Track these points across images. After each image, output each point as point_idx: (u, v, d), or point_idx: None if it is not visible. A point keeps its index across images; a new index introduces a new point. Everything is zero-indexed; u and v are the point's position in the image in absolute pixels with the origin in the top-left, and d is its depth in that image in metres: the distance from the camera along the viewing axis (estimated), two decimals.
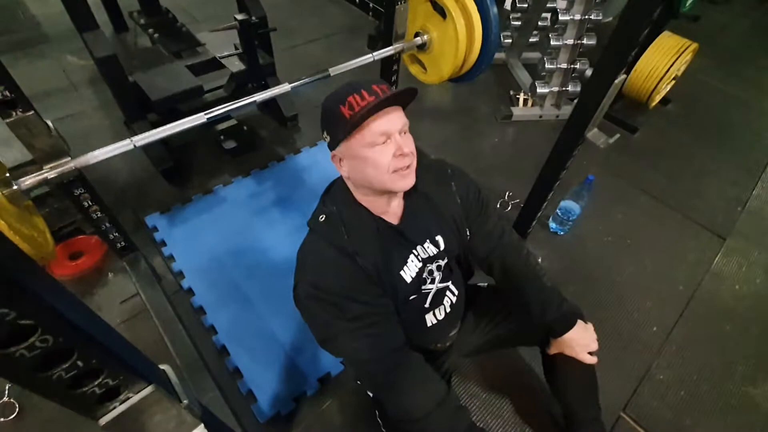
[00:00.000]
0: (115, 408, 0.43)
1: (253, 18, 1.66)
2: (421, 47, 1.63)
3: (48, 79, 2.36)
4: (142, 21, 2.00)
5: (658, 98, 2.42)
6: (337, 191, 0.91)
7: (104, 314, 1.44)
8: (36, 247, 0.90)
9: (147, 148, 1.15)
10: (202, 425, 0.55)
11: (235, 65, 1.83)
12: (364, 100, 0.77)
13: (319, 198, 0.93)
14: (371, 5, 3.09)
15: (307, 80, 1.37)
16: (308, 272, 0.85)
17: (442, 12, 1.51)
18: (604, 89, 1.04)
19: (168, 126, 1.13)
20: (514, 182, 2.01)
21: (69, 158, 1.01)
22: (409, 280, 0.92)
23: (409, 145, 0.82)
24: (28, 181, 0.94)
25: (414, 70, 1.77)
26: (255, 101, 1.27)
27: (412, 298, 0.96)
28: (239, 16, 1.62)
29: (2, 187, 0.88)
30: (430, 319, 1.03)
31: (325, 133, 0.84)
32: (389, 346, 0.86)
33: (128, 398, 0.44)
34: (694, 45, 2.25)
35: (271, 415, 1.25)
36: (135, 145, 1.08)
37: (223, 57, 1.80)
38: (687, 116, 2.63)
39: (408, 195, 0.93)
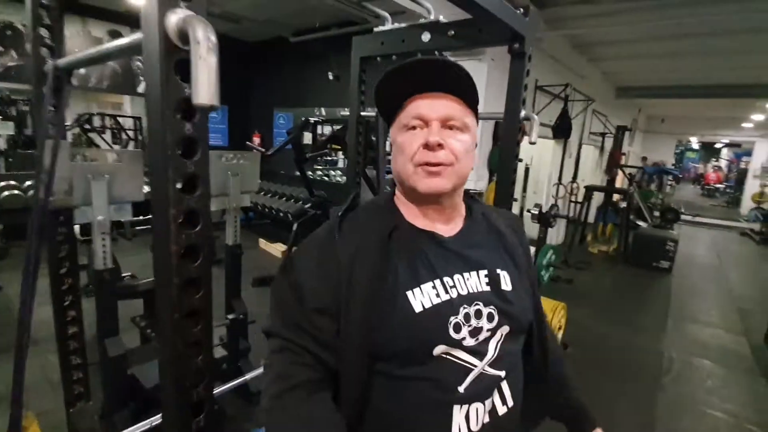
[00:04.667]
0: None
1: (240, 315, 2.21)
2: None
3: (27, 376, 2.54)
4: (142, 324, 2.47)
5: None
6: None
7: None
8: None
9: None
10: None
11: (218, 352, 2.25)
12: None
13: None
14: None
15: None
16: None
17: None
18: None
19: (154, 418, 1.44)
20: None
21: None
22: (419, 307, 0.67)
23: (447, 140, 0.68)
24: None
25: None
26: (245, 379, 1.65)
27: (441, 352, 0.66)
28: (230, 316, 2.16)
29: None
30: (458, 422, 0.66)
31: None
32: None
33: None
34: (562, 304, 3.11)
35: None
36: None
37: (215, 346, 2.23)
38: (583, 356, 3.26)
39: (468, 218, 0.79)
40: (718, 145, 21.10)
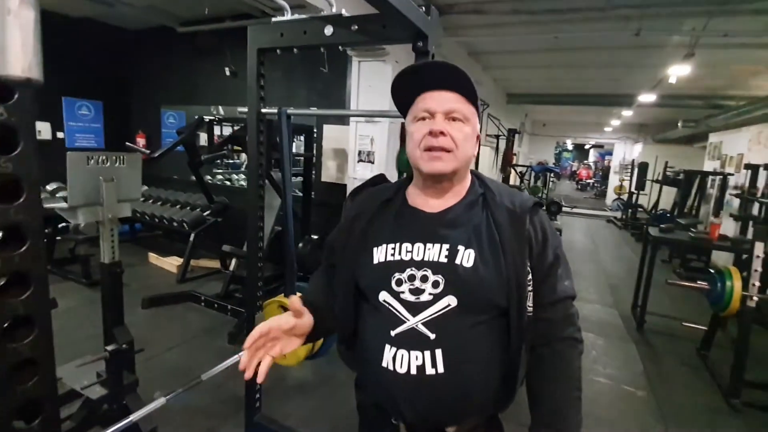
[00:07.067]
0: None
1: (124, 345, 1.88)
2: None
3: None
4: None
5: None
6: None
7: None
8: None
9: None
10: None
11: (96, 392, 1.89)
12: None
13: None
14: (229, 307, 3.57)
15: (181, 390, 1.57)
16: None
17: None
18: None
19: None
20: None
21: None
22: (376, 260, 0.86)
23: (449, 129, 0.82)
24: None
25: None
26: (134, 419, 1.39)
27: (383, 299, 0.84)
28: (110, 348, 1.83)
29: None
30: (387, 358, 0.82)
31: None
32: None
33: None
34: None
35: None
36: None
37: (85, 387, 1.86)
38: None
39: (465, 198, 0.90)
40: (587, 147, 24.45)
